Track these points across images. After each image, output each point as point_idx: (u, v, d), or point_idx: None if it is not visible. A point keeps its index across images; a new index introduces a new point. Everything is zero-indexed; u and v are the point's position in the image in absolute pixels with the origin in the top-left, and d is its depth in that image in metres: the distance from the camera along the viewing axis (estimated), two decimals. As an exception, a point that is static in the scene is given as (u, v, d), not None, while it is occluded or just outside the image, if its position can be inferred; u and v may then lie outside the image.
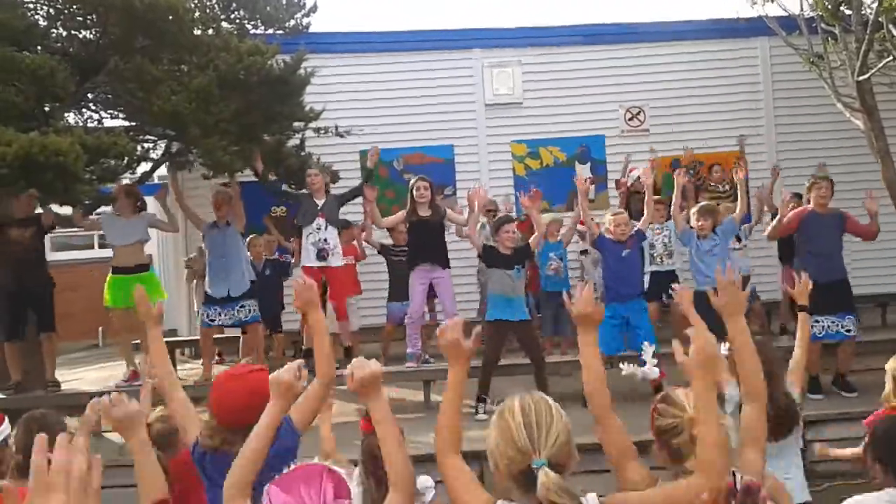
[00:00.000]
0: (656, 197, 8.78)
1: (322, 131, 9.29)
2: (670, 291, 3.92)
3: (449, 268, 7.51)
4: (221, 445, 2.71)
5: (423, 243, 7.35)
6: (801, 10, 9.54)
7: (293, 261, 8.72)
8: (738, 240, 8.55)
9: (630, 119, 11.21)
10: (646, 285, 7.57)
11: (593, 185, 11.21)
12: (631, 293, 6.85)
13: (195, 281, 9.75)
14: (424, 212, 7.38)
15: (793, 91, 10.99)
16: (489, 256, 6.91)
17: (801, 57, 9.61)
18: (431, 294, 7.76)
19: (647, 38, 11.24)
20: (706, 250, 6.86)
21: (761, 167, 11.15)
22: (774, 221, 6.95)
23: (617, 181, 9.51)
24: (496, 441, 1.85)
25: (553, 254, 8.31)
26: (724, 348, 2.97)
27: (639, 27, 11.40)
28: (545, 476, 1.73)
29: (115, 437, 6.65)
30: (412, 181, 7.58)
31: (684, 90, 11.13)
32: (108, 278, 7.34)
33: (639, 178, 9.39)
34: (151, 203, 8.21)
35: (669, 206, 8.30)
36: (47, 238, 7.56)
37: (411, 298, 7.52)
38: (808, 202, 6.91)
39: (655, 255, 8.30)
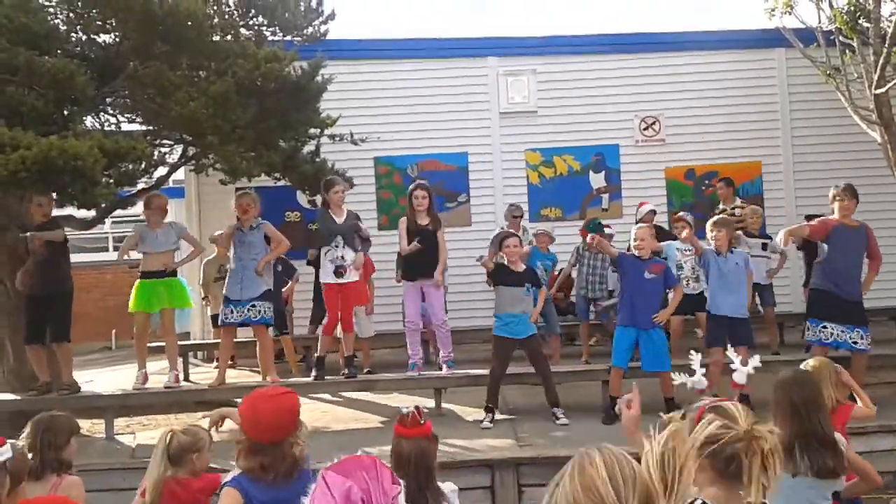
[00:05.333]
0: (678, 214, 8.77)
1: (337, 138, 9.30)
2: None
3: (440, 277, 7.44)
4: (259, 468, 2.81)
5: (420, 254, 7.30)
6: (819, 22, 9.52)
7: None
8: (764, 248, 8.51)
9: (645, 129, 11.20)
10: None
11: (606, 195, 11.22)
12: (646, 324, 6.62)
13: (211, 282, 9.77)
14: (423, 220, 7.33)
15: (810, 103, 10.95)
16: (500, 274, 6.90)
17: (819, 69, 9.58)
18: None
19: (663, 47, 11.23)
20: (726, 271, 6.69)
21: (776, 178, 11.14)
22: (790, 228, 6.84)
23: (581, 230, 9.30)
24: (577, 492, 1.82)
25: (540, 263, 8.36)
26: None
27: (655, 37, 11.40)
28: None
29: (127, 439, 6.72)
30: (410, 188, 7.55)
31: (701, 100, 11.11)
32: (135, 283, 7.35)
33: (653, 211, 9.31)
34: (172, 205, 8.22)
35: (689, 224, 8.29)
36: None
37: (405, 307, 7.51)
38: (832, 213, 6.82)
39: (682, 277, 8.18)
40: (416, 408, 3.23)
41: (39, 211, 6.94)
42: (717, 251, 6.69)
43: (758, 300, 8.43)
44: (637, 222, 9.38)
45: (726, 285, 6.66)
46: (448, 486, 3.21)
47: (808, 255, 8.60)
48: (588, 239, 7.45)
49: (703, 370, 3.66)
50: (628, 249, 7.10)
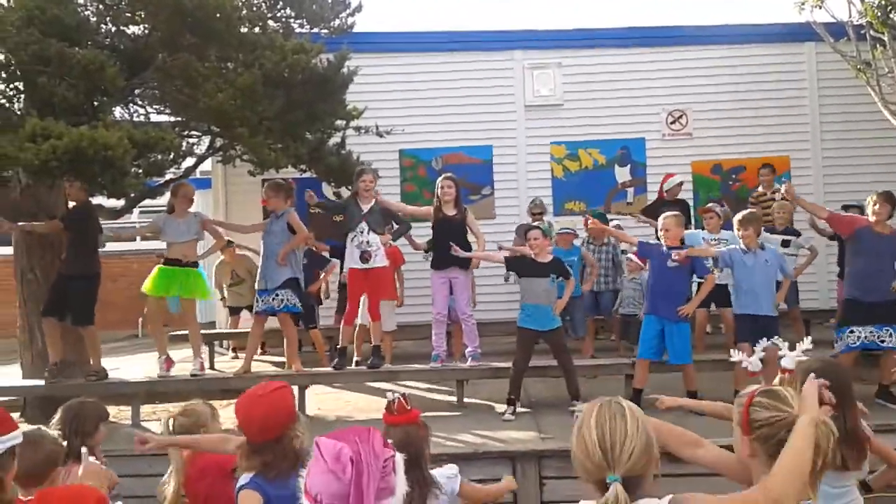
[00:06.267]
0: (707, 206, 8.70)
1: (362, 130, 9.33)
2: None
3: (467, 268, 7.46)
4: (261, 466, 2.86)
5: (444, 243, 7.31)
6: (850, 16, 9.40)
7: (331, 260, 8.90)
8: (786, 245, 8.41)
9: (672, 122, 11.13)
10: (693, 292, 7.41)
11: (632, 189, 11.17)
12: (671, 316, 6.56)
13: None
14: (449, 210, 7.36)
15: (839, 98, 10.82)
16: (523, 266, 6.89)
17: (849, 64, 9.45)
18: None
19: (691, 41, 11.15)
20: (755, 269, 6.57)
21: (806, 173, 11.02)
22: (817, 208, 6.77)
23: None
24: (575, 452, 1.91)
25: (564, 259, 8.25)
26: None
27: (683, 30, 11.33)
28: (614, 495, 1.79)
29: (153, 426, 6.80)
30: (438, 179, 7.58)
31: (729, 94, 11.02)
32: (155, 268, 7.43)
33: (680, 183, 9.36)
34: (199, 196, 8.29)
35: (718, 215, 8.23)
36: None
37: (433, 299, 7.52)
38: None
39: (709, 266, 8.13)
40: (403, 395, 3.25)
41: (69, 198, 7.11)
42: (746, 248, 6.60)
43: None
44: (664, 193, 9.37)
45: (755, 283, 6.54)
46: (446, 471, 3.23)
47: (839, 249, 8.45)
48: (589, 223, 7.39)
49: (762, 354, 3.62)
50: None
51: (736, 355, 3.73)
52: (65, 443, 3.48)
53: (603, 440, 1.85)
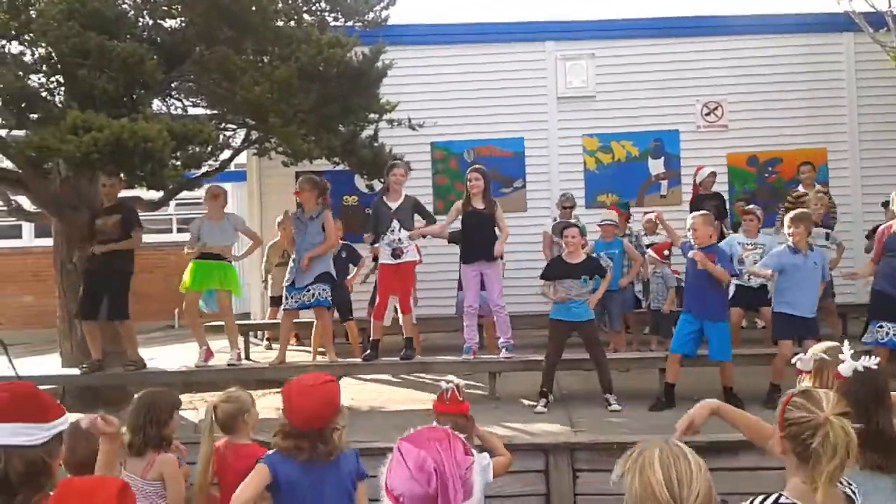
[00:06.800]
0: (748, 207, 8.61)
1: (395, 123, 9.36)
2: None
3: (496, 261, 7.41)
4: (294, 448, 2.93)
5: (475, 236, 7.31)
6: (890, 6, 9.25)
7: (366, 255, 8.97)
8: (827, 237, 8.31)
9: (707, 114, 11.02)
10: (730, 293, 7.35)
11: (665, 181, 11.09)
12: (707, 314, 6.49)
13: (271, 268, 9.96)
14: (478, 203, 7.32)
15: (878, 89, 10.66)
16: (557, 269, 6.88)
17: (889, 54, 9.30)
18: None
19: (726, 31, 11.02)
20: (804, 269, 6.49)
21: (843, 166, 10.87)
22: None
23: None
24: (635, 489, 1.89)
25: (603, 253, 8.17)
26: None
27: (718, 20, 11.19)
28: None
29: (190, 414, 6.92)
30: (467, 172, 7.57)
31: (765, 86, 10.89)
32: (191, 263, 7.53)
33: (713, 174, 9.32)
34: (230, 190, 8.38)
35: (759, 219, 8.15)
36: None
37: (465, 291, 7.50)
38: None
39: (744, 271, 8.06)
40: (457, 385, 3.26)
41: (105, 192, 7.17)
42: (795, 248, 6.51)
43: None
44: (698, 187, 9.33)
45: (801, 285, 6.47)
46: (480, 460, 3.27)
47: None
48: (653, 217, 7.31)
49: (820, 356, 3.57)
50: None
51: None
52: (133, 432, 3.56)
53: (670, 481, 1.83)
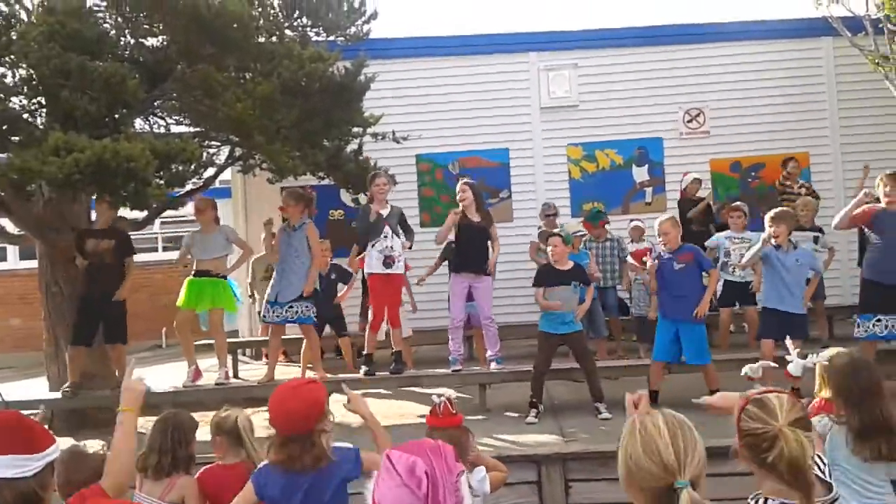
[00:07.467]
0: (734, 203, 8.70)
1: (379, 136, 9.37)
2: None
3: (487, 274, 7.40)
4: (287, 459, 2.87)
5: (469, 249, 7.32)
6: (867, 10, 9.35)
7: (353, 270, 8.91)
8: (815, 241, 8.36)
9: (689, 121, 11.09)
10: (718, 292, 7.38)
11: (650, 188, 11.14)
12: (681, 317, 6.52)
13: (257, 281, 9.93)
14: (474, 216, 7.33)
15: (858, 92, 10.75)
16: (547, 275, 6.89)
17: (867, 58, 9.40)
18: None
19: (706, 38, 11.11)
20: (788, 267, 6.50)
21: (826, 168, 10.95)
22: (843, 211, 6.62)
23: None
24: (637, 453, 1.86)
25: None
26: (805, 359, 2.91)
27: (698, 28, 11.28)
28: (687, 498, 1.76)
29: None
30: (457, 185, 7.56)
31: (746, 91, 10.98)
32: (186, 281, 7.52)
33: (697, 180, 9.42)
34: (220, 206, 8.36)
35: (745, 214, 8.22)
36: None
37: (451, 304, 7.49)
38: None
39: (730, 264, 8.09)
40: (448, 398, 3.25)
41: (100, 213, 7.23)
42: (777, 246, 6.54)
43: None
44: (682, 191, 9.43)
45: (785, 283, 6.49)
46: (476, 475, 3.24)
47: (860, 240, 8.37)
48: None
49: (805, 360, 3.56)
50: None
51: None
52: (158, 454, 3.52)
53: (676, 443, 1.82)
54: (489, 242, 7.42)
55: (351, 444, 3.00)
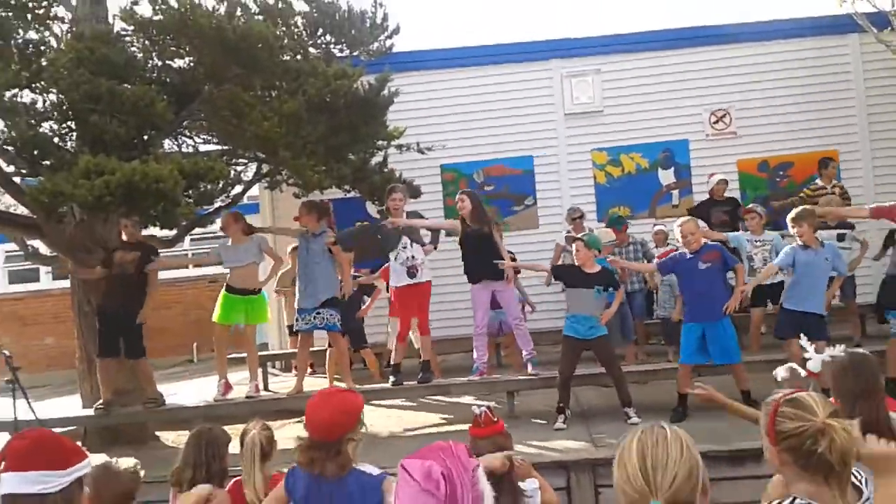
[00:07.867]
0: (748, 206, 8.63)
1: (404, 148, 9.44)
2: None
3: (503, 278, 7.33)
4: (308, 461, 2.95)
5: (474, 256, 7.33)
6: (893, 5, 9.24)
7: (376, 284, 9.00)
8: (841, 238, 8.25)
9: (715, 122, 11.02)
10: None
11: (677, 191, 11.08)
12: (709, 317, 6.45)
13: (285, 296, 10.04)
14: (474, 223, 7.38)
15: (887, 88, 10.63)
16: (572, 275, 6.89)
17: (894, 53, 9.28)
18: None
19: (729, 39, 11.04)
20: (814, 265, 6.49)
21: (856, 167, 10.81)
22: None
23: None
24: (616, 476, 1.90)
25: None
26: (816, 362, 2.90)
27: (721, 29, 11.21)
28: None
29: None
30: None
31: (773, 91, 10.90)
32: (221, 294, 7.67)
33: (723, 181, 9.36)
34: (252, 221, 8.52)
35: (760, 216, 8.17)
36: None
37: (475, 311, 7.48)
38: None
39: (755, 267, 8.04)
40: (488, 407, 3.29)
41: (126, 231, 7.36)
42: (805, 246, 6.51)
43: (837, 292, 8.21)
44: (709, 192, 9.37)
45: (810, 281, 6.46)
46: (529, 484, 3.26)
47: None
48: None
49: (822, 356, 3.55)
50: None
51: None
52: (192, 469, 3.56)
53: (644, 465, 1.83)
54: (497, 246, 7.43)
55: (378, 470, 3.01)
